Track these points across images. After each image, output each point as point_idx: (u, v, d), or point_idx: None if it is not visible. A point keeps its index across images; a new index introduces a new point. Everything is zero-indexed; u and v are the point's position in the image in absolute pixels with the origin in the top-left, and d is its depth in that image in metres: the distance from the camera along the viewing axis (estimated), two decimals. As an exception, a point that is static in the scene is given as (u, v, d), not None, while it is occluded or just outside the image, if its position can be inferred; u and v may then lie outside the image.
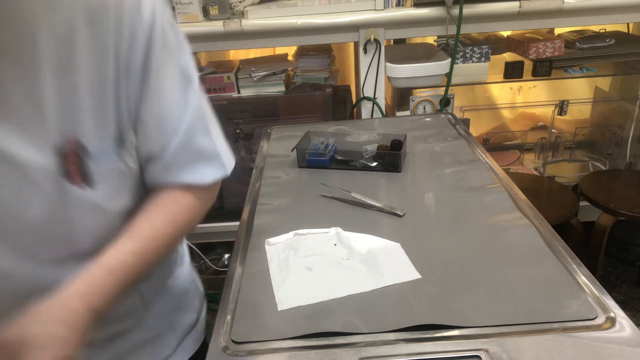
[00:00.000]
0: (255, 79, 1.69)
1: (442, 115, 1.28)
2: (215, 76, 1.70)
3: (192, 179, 0.62)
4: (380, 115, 1.66)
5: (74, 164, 0.52)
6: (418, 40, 1.88)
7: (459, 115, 1.70)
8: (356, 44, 1.62)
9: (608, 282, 1.94)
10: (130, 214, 0.60)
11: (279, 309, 0.64)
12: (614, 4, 1.51)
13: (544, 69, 1.66)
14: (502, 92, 2.04)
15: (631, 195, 1.66)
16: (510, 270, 0.68)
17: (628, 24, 1.81)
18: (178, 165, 0.61)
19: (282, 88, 1.72)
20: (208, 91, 1.72)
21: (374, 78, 1.61)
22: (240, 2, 1.57)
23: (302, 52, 1.80)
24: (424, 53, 1.73)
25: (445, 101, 1.66)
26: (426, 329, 0.59)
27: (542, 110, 2.01)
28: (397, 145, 1.02)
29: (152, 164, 0.61)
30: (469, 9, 1.48)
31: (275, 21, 1.52)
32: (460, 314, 0.61)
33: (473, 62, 1.63)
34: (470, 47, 1.62)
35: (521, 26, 1.62)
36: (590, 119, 2.09)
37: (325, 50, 1.79)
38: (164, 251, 0.61)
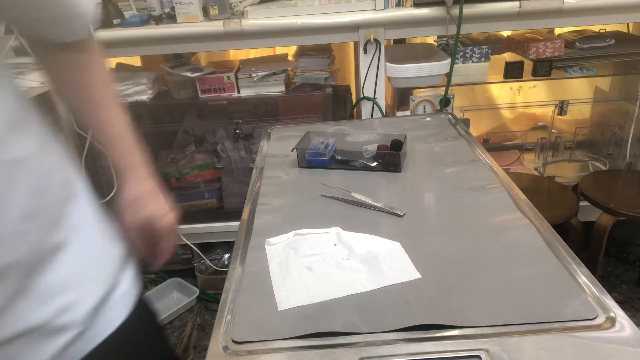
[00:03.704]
0: (255, 79, 1.69)
1: (442, 115, 1.28)
2: (215, 76, 1.70)
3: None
4: (380, 115, 1.66)
5: None
6: (418, 40, 1.88)
7: (459, 115, 1.70)
8: (356, 44, 1.62)
9: (608, 282, 1.94)
10: None
11: (279, 309, 0.64)
12: (614, 4, 1.51)
13: (544, 69, 1.66)
14: (502, 92, 2.04)
15: (631, 195, 1.66)
16: (510, 270, 0.68)
17: (628, 24, 1.81)
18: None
19: (282, 88, 1.72)
20: (208, 91, 1.72)
21: (374, 78, 1.61)
22: (240, 2, 1.57)
23: (302, 52, 1.80)
24: (424, 53, 1.73)
25: (445, 101, 1.66)
26: (426, 329, 0.59)
27: (542, 110, 2.01)
28: (397, 145, 1.02)
29: None
30: (469, 9, 1.48)
31: (275, 21, 1.52)
32: (460, 314, 0.61)
33: (473, 62, 1.63)
34: (470, 47, 1.62)
35: (521, 26, 1.62)
36: (590, 119, 2.09)
37: (325, 50, 1.79)
38: None
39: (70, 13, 0.62)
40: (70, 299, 0.57)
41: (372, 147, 1.03)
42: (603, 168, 1.99)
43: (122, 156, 0.70)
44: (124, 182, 0.70)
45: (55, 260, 0.56)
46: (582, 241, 1.62)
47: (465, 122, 1.68)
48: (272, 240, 0.79)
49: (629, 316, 0.59)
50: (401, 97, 1.73)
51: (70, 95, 0.70)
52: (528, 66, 1.69)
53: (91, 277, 0.61)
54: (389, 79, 1.64)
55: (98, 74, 0.70)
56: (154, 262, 0.73)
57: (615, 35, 1.72)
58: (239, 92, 1.73)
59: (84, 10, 0.63)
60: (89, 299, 0.60)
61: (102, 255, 0.64)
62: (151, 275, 2.00)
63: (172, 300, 1.90)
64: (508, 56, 1.79)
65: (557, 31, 1.84)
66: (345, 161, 1.03)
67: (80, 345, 0.60)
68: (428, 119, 1.27)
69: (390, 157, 1.00)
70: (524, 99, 2.05)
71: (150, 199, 0.71)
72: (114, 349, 0.63)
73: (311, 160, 1.04)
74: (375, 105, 1.65)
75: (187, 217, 1.87)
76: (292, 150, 1.05)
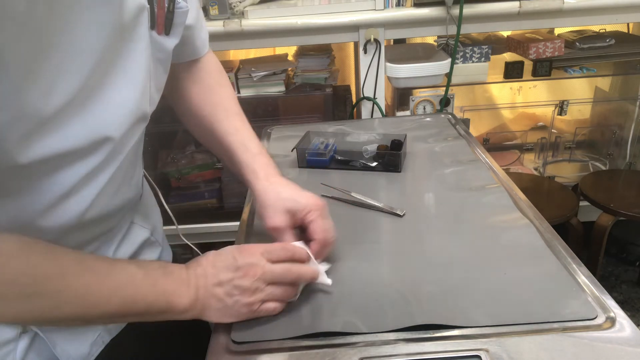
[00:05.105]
0: (255, 79, 1.69)
1: (442, 115, 1.28)
2: (215, 76, 1.70)
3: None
4: (380, 115, 1.66)
5: (161, 9, 0.58)
6: (418, 40, 1.88)
7: (459, 115, 1.70)
8: (356, 44, 1.62)
9: (608, 282, 1.94)
10: None
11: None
12: (614, 4, 1.51)
13: (544, 69, 1.66)
14: (502, 92, 2.04)
15: (631, 195, 1.66)
16: (510, 270, 0.68)
17: (628, 24, 1.81)
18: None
19: (282, 88, 1.72)
20: (208, 91, 1.72)
21: (374, 78, 1.61)
22: (240, 2, 1.57)
23: (302, 52, 1.80)
24: (424, 53, 1.73)
25: (445, 101, 1.66)
26: (426, 329, 0.59)
27: (542, 110, 2.01)
28: (397, 145, 1.02)
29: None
30: (469, 9, 1.48)
31: (275, 21, 1.52)
32: (460, 314, 0.61)
33: (473, 62, 1.63)
34: (470, 47, 1.62)
35: (521, 26, 1.62)
36: (590, 119, 2.09)
37: (325, 50, 1.79)
38: None
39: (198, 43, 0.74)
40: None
41: (372, 147, 1.03)
42: (603, 168, 1.99)
43: (255, 155, 0.73)
44: (253, 188, 0.71)
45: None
46: (582, 241, 1.62)
47: (465, 122, 1.68)
48: None
49: (629, 316, 0.59)
50: (401, 97, 1.73)
51: (195, 103, 0.76)
52: (528, 66, 1.69)
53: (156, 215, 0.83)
54: (389, 79, 1.64)
55: (220, 81, 0.79)
56: (321, 251, 0.67)
57: (615, 35, 1.72)
58: (239, 92, 1.72)
59: (206, 35, 0.76)
60: (159, 231, 0.82)
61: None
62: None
63: (172, 300, 1.90)
64: (508, 56, 1.79)
65: (557, 31, 1.84)
66: (345, 161, 1.03)
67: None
68: (428, 119, 1.27)
69: (390, 157, 1.00)
70: (524, 99, 2.05)
71: (283, 193, 0.69)
72: None
73: (311, 160, 1.04)
74: (375, 105, 1.65)
75: (187, 217, 1.87)
76: (292, 150, 1.05)
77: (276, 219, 0.66)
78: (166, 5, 0.59)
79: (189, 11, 0.65)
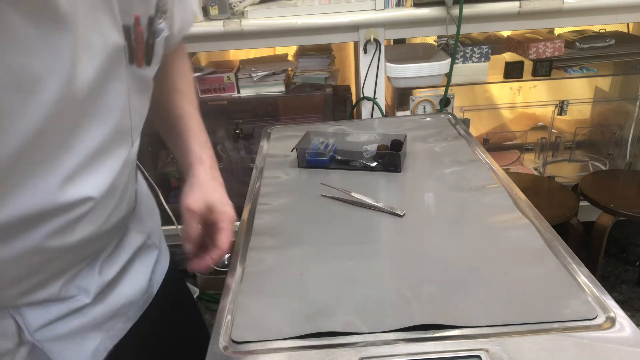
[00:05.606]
0: (255, 79, 1.69)
1: (442, 115, 1.28)
2: (215, 76, 1.70)
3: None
4: (380, 115, 1.66)
5: (140, 42, 0.56)
6: (418, 40, 1.89)
7: (459, 115, 1.70)
8: (356, 44, 1.62)
9: (608, 282, 1.94)
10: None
11: None
12: (614, 4, 1.51)
13: (544, 69, 1.66)
14: (502, 92, 2.04)
15: (631, 195, 1.66)
16: (510, 270, 0.68)
17: (628, 24, 1.81)
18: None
19: (282, 88, 1.72)
20: (208, 91, 1.72)
21: (374, 78, 1.61)
22: (240, 2, 1.57)
23: (302, 52, 1.80)
24: (424, 53, 1.73)
25: (445, 101, 1.66)
26: (426, 329, 0.59)
27: (542, 110, 2.01)
28: (397, 145, 1.02)
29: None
30: (469, 9, 1.48)
31: (275, 21, 1.52)
32: (460, 314, 0.61)
33: (473, 62, 1.63)
34: (470, 47, 1.62)
35: (521, 26, 1.62)
36: (590, 119, 2.09)
37: (325, 50, 1.79)
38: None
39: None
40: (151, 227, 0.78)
41: (372, 147, 1.03)
42: (603, 168, 1.99)
43: (200, 147, 0.72)
44: (194, 171, 0.70)
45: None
46: (582, 241, 1.62)
47: (465, 122, 1.68)
48: None
49: (629, 316, 0.59)
50: (401, 97, 1.73)
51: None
52: (528, 66, 1.69)
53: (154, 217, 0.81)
54: (389, 79, 1.64)
55: (183, 68, 0.78)
56: (203, 261, 0.68)
57: (615, 35, 1.72)
58: (239, 92, 1.73)
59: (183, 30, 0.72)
60: (157, 233, 0.79)
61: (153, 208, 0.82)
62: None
63: (172, 300, 1.90)
64: (508, 56, 1.79)
65: (557, 31, 1.84)
66: (345, 161, 1.03)
67: (162, 266, 0.79)
68: (428, 119, 1.27)
69: (390, 157, 1.00)
70: (524, 99, 2.05)
71: (215, 189, 0.70)
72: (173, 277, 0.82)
73: (311, 160, 1.04)
74: (375, 105, 1.65)
75: (187, 217, 1.86)
76: (292, 150, 1.05)
77: (197, 203, 0.67)
78: (145, 38, 0.56)
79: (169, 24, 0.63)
